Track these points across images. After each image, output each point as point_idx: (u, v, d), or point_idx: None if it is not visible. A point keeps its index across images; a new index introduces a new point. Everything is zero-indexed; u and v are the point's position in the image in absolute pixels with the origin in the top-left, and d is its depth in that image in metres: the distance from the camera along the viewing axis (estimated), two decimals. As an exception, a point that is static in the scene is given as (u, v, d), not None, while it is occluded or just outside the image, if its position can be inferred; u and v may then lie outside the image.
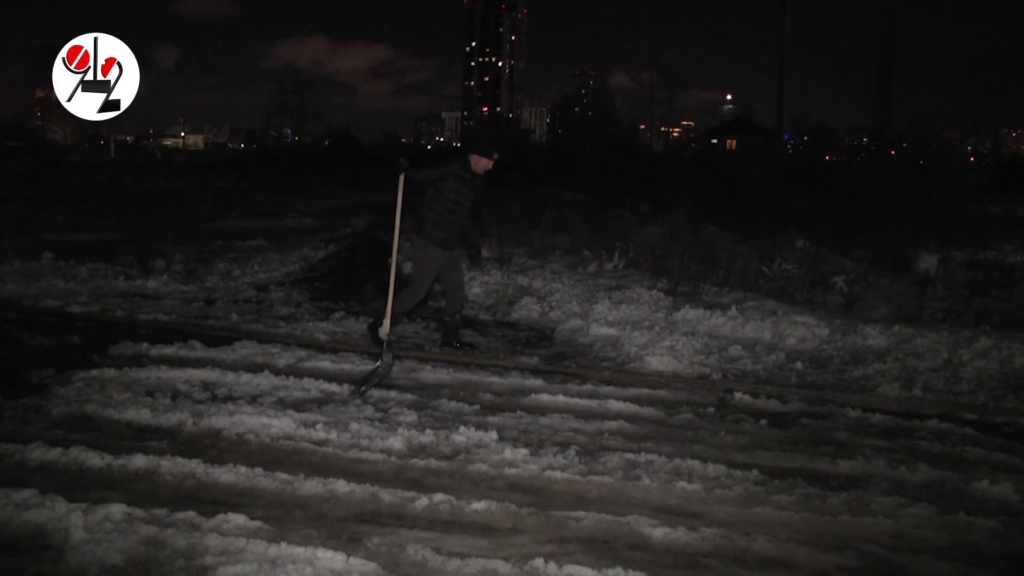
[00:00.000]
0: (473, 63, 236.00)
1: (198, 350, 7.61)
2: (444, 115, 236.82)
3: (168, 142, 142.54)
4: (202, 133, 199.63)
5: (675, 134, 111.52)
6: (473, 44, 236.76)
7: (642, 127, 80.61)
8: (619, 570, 3.75)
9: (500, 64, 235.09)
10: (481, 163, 7.70)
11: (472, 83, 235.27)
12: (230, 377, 6.72)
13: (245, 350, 7.64)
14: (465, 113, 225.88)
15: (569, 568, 3.76)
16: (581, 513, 4.33)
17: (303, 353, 7.64)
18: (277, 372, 6.90)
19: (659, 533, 4.12)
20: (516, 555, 3.90)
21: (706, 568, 3.89)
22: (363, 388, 6.46)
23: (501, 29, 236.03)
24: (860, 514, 4.49)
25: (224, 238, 16.14)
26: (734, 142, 69.04)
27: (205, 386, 6.51)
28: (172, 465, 4.80)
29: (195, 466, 4.79)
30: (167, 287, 11.02)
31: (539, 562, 3.79)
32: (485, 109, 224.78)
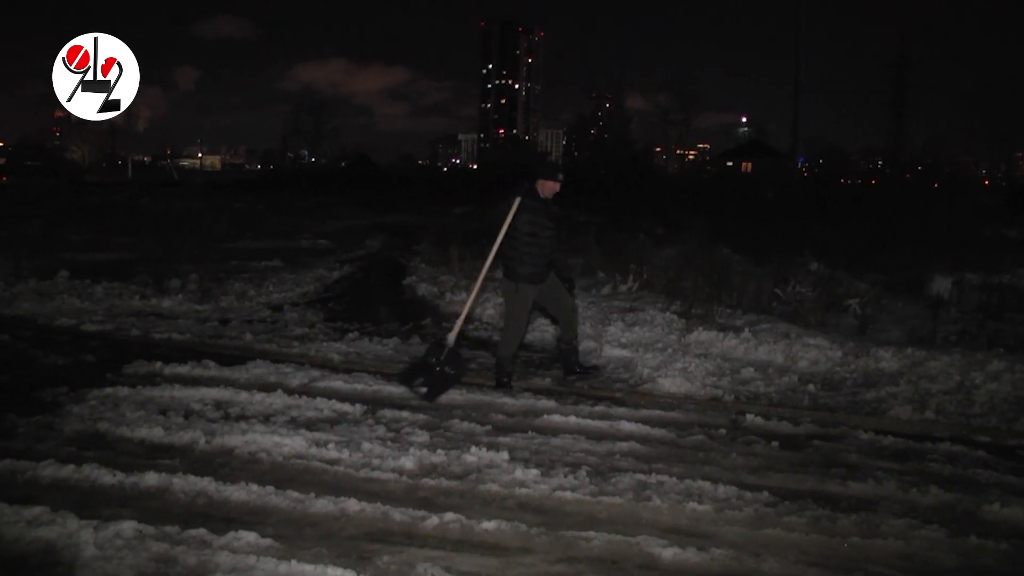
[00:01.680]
0: (490, 85, 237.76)
1: (212, 369, 7.66)
2: (460, 137, 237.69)
3: (185, 162, 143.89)
4: (219, 154, 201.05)
5: (690, 156, 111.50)
6: (490, 66, 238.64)
7: (657, 149, 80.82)
8: (628, 590, 3.75)
9: (516, 86, 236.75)
10: (548, 187, 7.41)
11: (488, 105, 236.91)
12: (243, 396, 6.75)
13: (259, 369, 7.67)
14: (481, 135, 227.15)
15: (578, 588, 3.77)
16: (591, 533, 4.32)
17: (316, 373, 7.67)
18: (290, 392, 6.92)
19: (669, 554, 4.12)
20: (525, 574, 3.91)
21: (715, 589, 3.88)
22: (425, 391, 6.73)
23: (518, 52, 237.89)
24: (870, 536, 4.47)
25: (240, 258, 16.25)
26: (749, 165, 69.12)
27: (218, 405, 6.54)
28: (184, 483, 4.83)
29: (207, 484, 4.82)
30: (182, 307, 11.09)
31: (548, 582, 3.79)
32: (501, 131, 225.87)
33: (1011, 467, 5.73)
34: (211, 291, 12.08)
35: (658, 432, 6.19)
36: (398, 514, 4.50)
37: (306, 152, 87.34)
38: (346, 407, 6.56)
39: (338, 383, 7.36)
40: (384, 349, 9.01)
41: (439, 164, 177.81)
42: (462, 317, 7.32)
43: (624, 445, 5.84)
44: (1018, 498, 5.04)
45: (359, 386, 7.30)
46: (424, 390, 6.79)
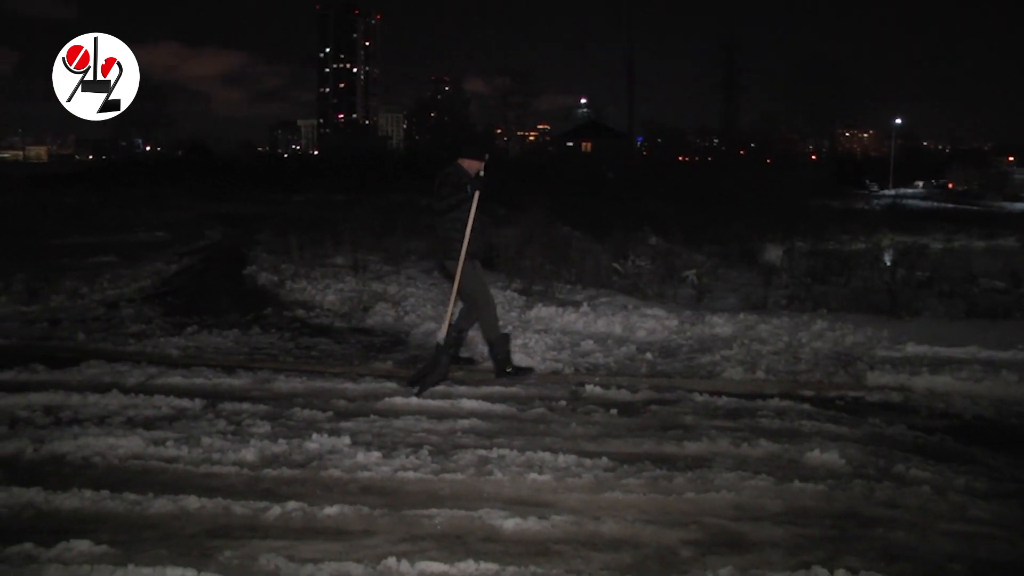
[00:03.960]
0: (328, 69, 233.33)
1: (41, 373, 7.30)
2: (300, 123, 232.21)
3: (7, 154, 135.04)
4: (46, 144, 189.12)
5: (531, 138, 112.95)
6: (327, 50, 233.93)
7: (498, 131, 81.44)
8: (471, 563, 3.82)
9: (355, 70, 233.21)
10: (475, 166, 7.40)
11: (327, 90, 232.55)
12: (76, 399, 6.46)
13: (92, 370, 7.36)
14: (321, 120, 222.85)
15: (422, 565, 3.81)
16: (434, 511, 4.38)
17: (154, 370, 7.42)
18: (126, 391, 6.68)
19: (510, 524, 4.21)
20: (369, 556, 3.92)
21: (557, 554, 3.99)
22: (418, 389, 6.71)
23: (355, 35, 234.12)
24: (704, 491, 4.70)
25: (71, 255, 15.48)
26: (589, 145, 70.31)
27: (48, 410, 6.24)
28: (7, 496, 4.57)
29: (34, 495, 4.58)
30: (6, 309, 10.51)
31: (392, 561, 3.82)
32: (341, 116, 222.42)
33: (830, 416, 6.19)
34: (39, 291, 11.46)
35: (499, 408, 6.31)
36: (239, 507, 4.44)
37: (140, 141, 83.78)
38: (185, 402, 6.39)
39: (177, 378, 7.16)
40: (224, 341, 8.81)
41: (279, 151, 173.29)
42: (448, 314, 7.23)
43: (465, 423, 5.93)
44: (834, 443, 5.47)
45: (199, 380, 7.12)
46: (418, 388, 6.81)
